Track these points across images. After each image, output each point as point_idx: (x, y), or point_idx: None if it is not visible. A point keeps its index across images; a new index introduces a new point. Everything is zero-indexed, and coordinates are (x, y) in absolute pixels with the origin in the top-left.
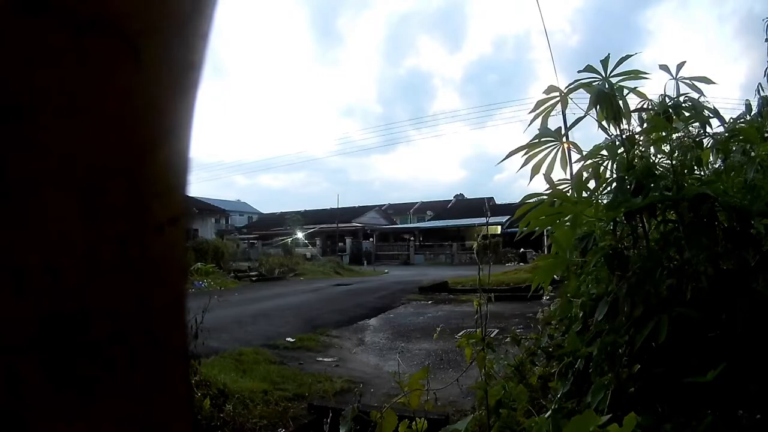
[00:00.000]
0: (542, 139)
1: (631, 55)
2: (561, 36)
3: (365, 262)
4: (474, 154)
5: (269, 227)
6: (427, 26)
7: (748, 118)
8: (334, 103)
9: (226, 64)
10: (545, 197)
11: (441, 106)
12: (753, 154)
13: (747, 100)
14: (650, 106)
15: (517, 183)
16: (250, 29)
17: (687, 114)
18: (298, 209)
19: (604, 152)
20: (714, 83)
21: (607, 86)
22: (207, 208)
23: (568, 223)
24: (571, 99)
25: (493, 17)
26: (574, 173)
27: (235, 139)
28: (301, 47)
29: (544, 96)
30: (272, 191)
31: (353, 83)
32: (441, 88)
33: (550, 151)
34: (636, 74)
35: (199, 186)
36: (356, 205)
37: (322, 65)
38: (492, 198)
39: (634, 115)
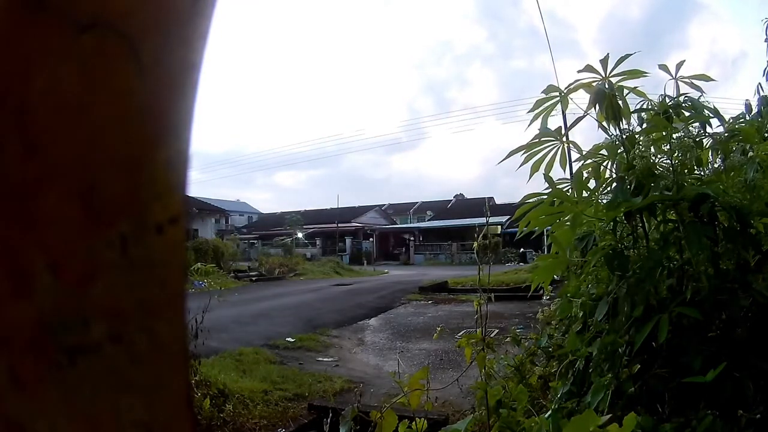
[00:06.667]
0: (542, 139)
1: (630, 55)
2: (620, 7)
3: (365, 262)
4: (491, 149)
5: (269, 227)
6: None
7: (748, 118)
8: (348, 101)
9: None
10: (545, 197)
11: (461, 97)
12: (752, 154)
13: (747, 99)
14: (650, 106)
15: (534, 181)
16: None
17: (687, 114)
18: (308, 209)
19: (604, 152)
20: (713, 80)
21: (607, 86)
22: (207, 208)
23: (568, 223)
24: (572, 99)
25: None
26: (573, 173)
27: (256, 135)
28: (318, 39)
29: (544, 96)
30: (287, 189)
31: (374, 77)
32: (464, 80)
33: (550, 151)
34: (636, 74)
35: (221, 182)
36: (356, 205)
37: (340, 59)
38: (492, 198)
39: (634, 115)
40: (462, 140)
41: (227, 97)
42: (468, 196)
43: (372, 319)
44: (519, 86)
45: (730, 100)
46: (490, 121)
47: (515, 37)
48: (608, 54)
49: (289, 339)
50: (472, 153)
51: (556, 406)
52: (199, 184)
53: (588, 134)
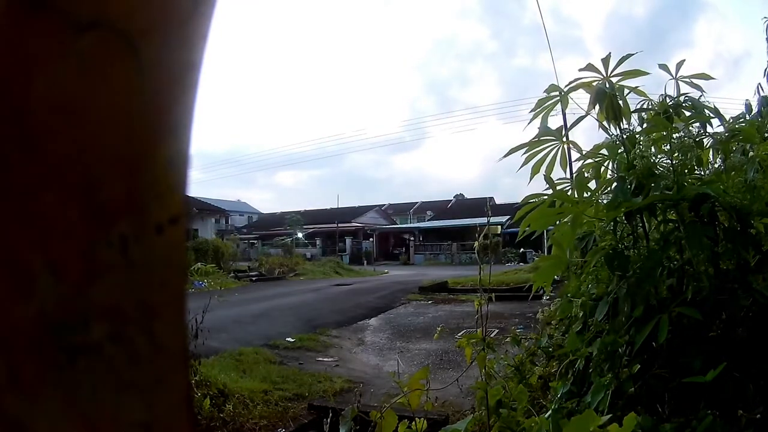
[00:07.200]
0: (542, 138)
1: (632, 55)
2: (625, 5)
3: (365, 262)
4: (492, 149)
5: (269, 227)
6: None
7: (748, 117)
8: (350, 100)
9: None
10: (546, 197)
11: (463, 96)
12: (753, 154)
13: (747, 99)
14: (651, 106)
15: (535, 182)
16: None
17: (687, 114)
18: (309, 209)
19: (605, 152)
20: (713, 79)
21: (607, 85)
22: (207, 208)
23: (568, 224)
24: (573, 99)
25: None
26: (574, 173)
27: (257, 135)
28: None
29: (546, 95)
30: (289, 189)
31: (376, 76)
32: (467, 77)
33: (550, 151)
34: (637, 73)
35: (221, 182)
36: (356, 205)
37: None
38: (492, 198)
39: (635, 115)
40: (463, 140)
41: (228, 97)
42: (468, 196)
43: (372, 319)
44: (522, 85)
45: (733, 100)
46: (492, 121)
47: (519, 35)
48: (610, 53)
49: (289, 339)
50: (473, 153)
51: (556, 406)
52: (200, 184)
53: (590, 134)
